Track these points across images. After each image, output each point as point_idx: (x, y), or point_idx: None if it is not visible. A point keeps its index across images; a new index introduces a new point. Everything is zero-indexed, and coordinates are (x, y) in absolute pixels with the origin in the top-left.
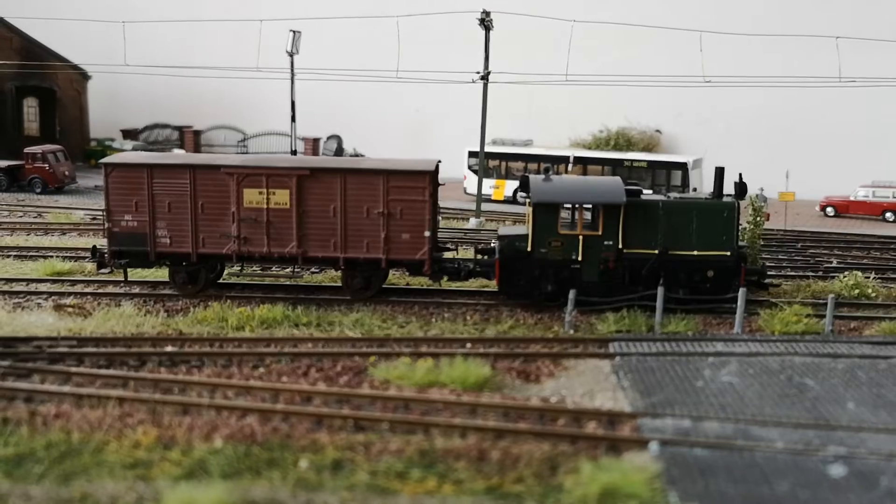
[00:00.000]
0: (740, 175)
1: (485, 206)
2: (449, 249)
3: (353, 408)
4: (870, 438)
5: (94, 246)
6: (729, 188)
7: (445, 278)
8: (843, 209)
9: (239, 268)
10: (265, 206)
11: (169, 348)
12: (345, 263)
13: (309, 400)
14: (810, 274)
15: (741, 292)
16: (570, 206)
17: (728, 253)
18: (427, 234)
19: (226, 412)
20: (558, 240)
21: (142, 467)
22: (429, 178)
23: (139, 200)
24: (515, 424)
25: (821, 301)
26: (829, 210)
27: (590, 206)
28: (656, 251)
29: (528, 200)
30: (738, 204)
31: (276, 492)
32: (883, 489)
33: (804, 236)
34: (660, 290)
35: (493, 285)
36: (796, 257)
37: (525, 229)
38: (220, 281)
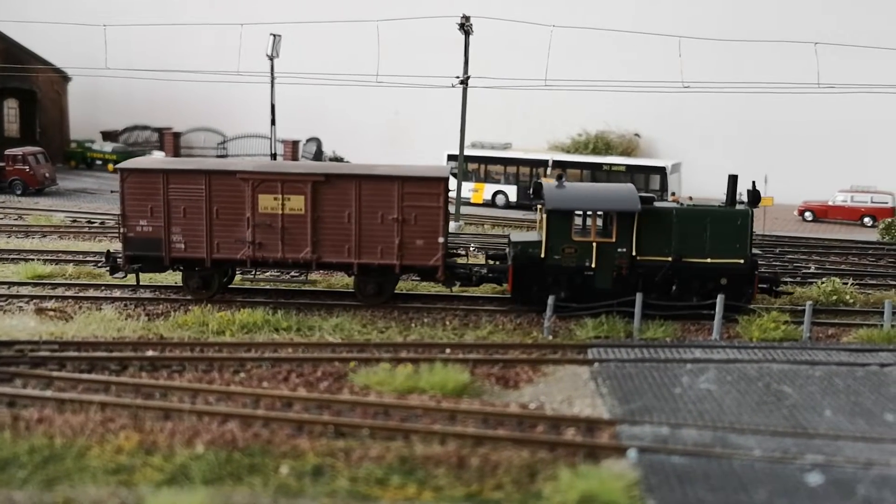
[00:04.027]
0: (753, 182)
1: (463, 210)
2: (460, 255)
3: (333, 413)
4: (847, 446)
5: (108, 251)
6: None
7: (458, 284)
8: (822, 214)
9: (252, 273)
10: (280, 212)
11: (150, 353)
12: (358, 269)
13: (289, 405)
14: (788, 280)
15: (719, 298)
16: (582, 212)
17: (741, 260)
18: (441, 240)
19: (207, 417)
20: (571, 247)
21: (124, 472)
22: (443, 184)
23: (154, 206)
24: (495, 431)
25: (799, 307)
26: (808, 215)
27: (603, 213)
28: (670, 258)
29: (540, 207)
30: (752, 212)
31: (257, 498)
32: (860, 497)
33: (782, 241)
34: (638, 296)
35: (471, 290)
36: (774, 263)
37: (538, 236)
38: (231, 285)
